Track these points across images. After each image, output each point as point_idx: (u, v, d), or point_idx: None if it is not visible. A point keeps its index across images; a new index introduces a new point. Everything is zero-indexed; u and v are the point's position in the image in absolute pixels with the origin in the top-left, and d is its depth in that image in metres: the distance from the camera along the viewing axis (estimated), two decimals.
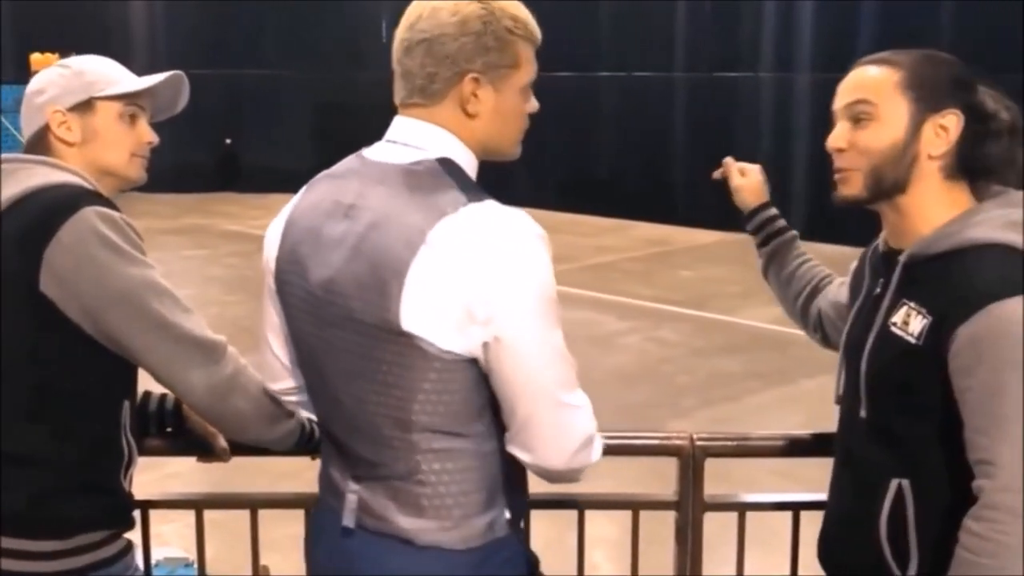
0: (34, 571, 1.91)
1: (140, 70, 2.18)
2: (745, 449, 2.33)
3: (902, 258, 1.83)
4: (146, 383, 2.10)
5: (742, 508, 2.42)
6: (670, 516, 2.40)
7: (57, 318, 1.86)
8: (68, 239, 1.85)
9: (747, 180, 2.46)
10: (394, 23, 1.80)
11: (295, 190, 1.91)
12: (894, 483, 1.81)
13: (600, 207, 18.12)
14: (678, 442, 2.33)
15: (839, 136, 1.89)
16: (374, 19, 23.73)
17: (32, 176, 1.94)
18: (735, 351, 9.66)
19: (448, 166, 1.71)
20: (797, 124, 16.07)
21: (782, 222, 2.45)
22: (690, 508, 2.32)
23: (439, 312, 1.63)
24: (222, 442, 2.22)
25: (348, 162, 1.84)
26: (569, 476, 1.77)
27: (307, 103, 22.68)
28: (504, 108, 1.73)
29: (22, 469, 1.89)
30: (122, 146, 2.08)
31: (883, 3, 15.25)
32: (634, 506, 2.42)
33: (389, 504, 1.75)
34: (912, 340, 1.74)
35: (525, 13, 1.74)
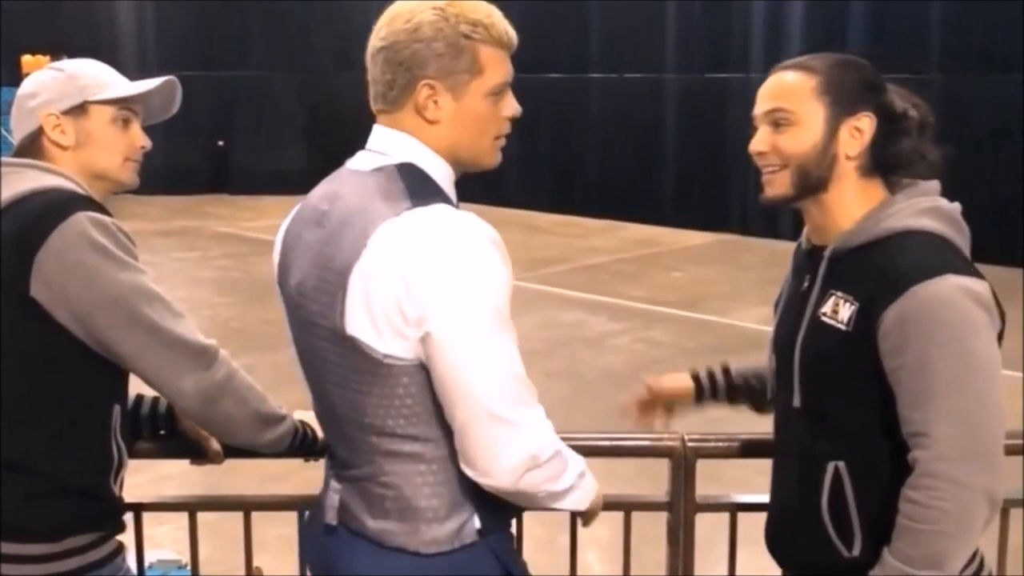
0: (26, 574, 1.91)
1: (130, 72, 2.19)
2: (736, 450, 2.34)
3: (827, 252, 1.92)
4: (138, 386, 2.10)
5: (734, 508, 2.43)
6: (662, 517, 2.41)
7: (48, 323, 1.86)
8: (59, 244, 1.85)
9: (670, 386, 2.46)
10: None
11: (286, 191, 1.92)
12: (831, 466, 1.89)
13: (590, 208, 18.16)
14: (669, 443, 2.34)
15: (761, 140, 1.97)
16: (365, 21, 23.66)
17: (23, 180, 1.94)
18: (726, 351, 9.63)
19: (407, 171, 1.70)
20: None
21: (715, 374, 2.47)
22: (682, 509, 2.33)
23: (377, 316, 1.63)
24: (215, 445, 2.22)
25: (338, 169, 1.86)
26: (523, 499, 1.71)
27: (298, 105, 22.67)
28: (467, 114, 1.70)
29: (13, 473, 1.89)
30: (115, 150, 2.09)
31: (872, 3, 15.31)
32: (626, 507, 2.42)
33: (361, 504, 1.77)
34: (842, 327, 1.82)
35: (489, 16, 1.70)
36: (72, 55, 2.24)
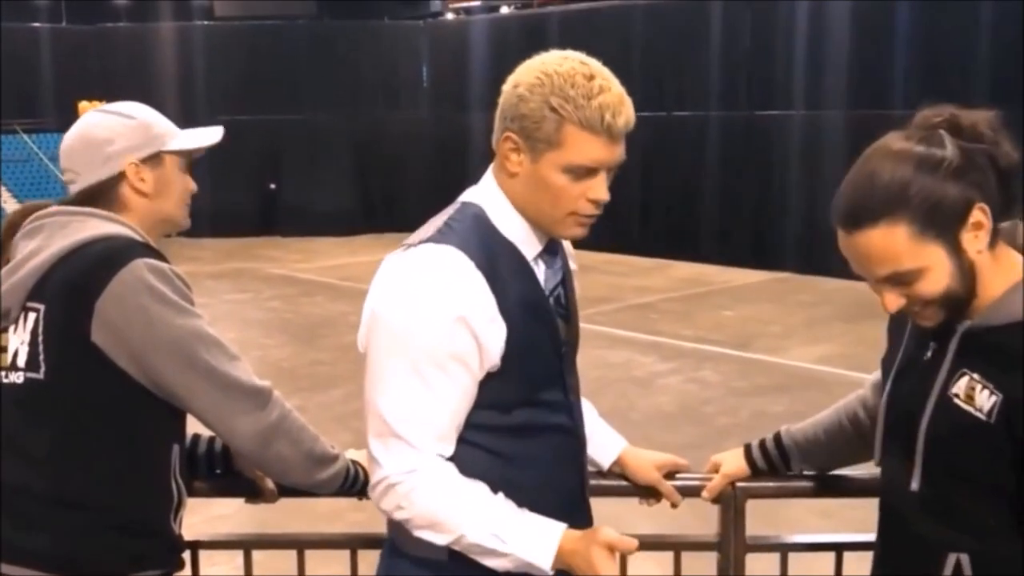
0: None
1: (184, 116, 2.25)
2: (786, 490, 2.29)
3: (960, 328, 1.75)
4: (195, 426, 2.13)
5: (784, 549, 2.39)
6: (712, 556, 2.39)
7: (108, 366, 1.90)
8: (119, 290, 1.89)
9: (731, 472, 2.30)
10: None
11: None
12: (952, 558, 1.74)
13: (638, 247, 18.15)
14: None
15: (893, 301, 1.72)
16: (413, 63, 24.06)
17: (84, 228, 1.99)
18: (777, 391, 9.57)
19: (464, 209, 1.75)
20: (835, 162, 16.03)
21: (768, 444, 2.29)
22: (732, 549, 2.30)
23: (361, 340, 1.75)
24: (269, 484, 2.24)
25: None
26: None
27: (347, 146, 22.96)
28: (539, 179, 1.69)
29: (76, 512, 1.93)
30: (183, 197, 2.16)
31: (919, 39, 15.24)
32: (676, 547, 2.40)
33: None
34: (982, 417, 1.66)
35: (590, 97, 1.66)
36: (125, 98, 2.30)
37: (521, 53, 1.85)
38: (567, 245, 1.90)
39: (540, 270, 1.77)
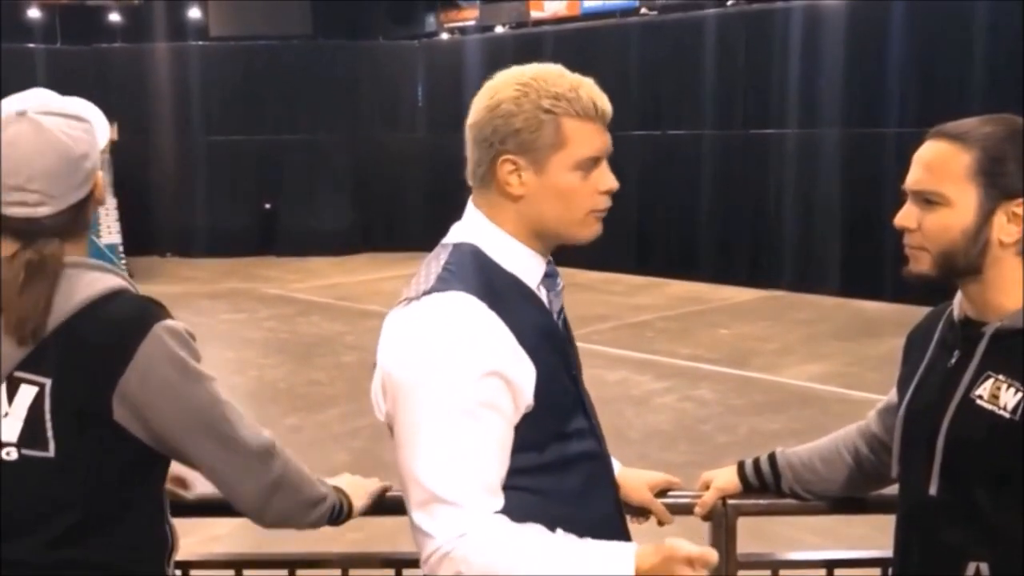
0: None
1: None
2: (776, 508, 2.30)
3: (988, 330, 1.76)
4: None
5: (776, 566, 2.40)
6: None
7: (125, 439, 1.82)
8: (144, 365, 1.78)
9: (723, 486, 2.29)
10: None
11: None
12: (972, 566, 1.73)
13: (633, 265, 18.16)
14: None
15: (908, 216, 1.80)
16: (410, 82, 24.10)
17: (80, 282, 1.80)
18: (775, 409, 9.56)
19: (459, 251, 1.71)
20: (830, 180, 16.07)
21: (762, 462, 2.28)
22: (723, 566, 2.31)
23: (379, 401, 1.73)
24: (189, 476, 2.22)
25: None
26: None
27: (345, 167, 22.95)
28: (552, 188, 1.68)
29: (77, 570, 1.86)
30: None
31: (914, 57, 15.29)
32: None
33: None
34: (1006, 415, 1.66)
35: (574, 89, 1.68)
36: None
37: None
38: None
39: (544, 296, 1.75)
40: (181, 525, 2.11)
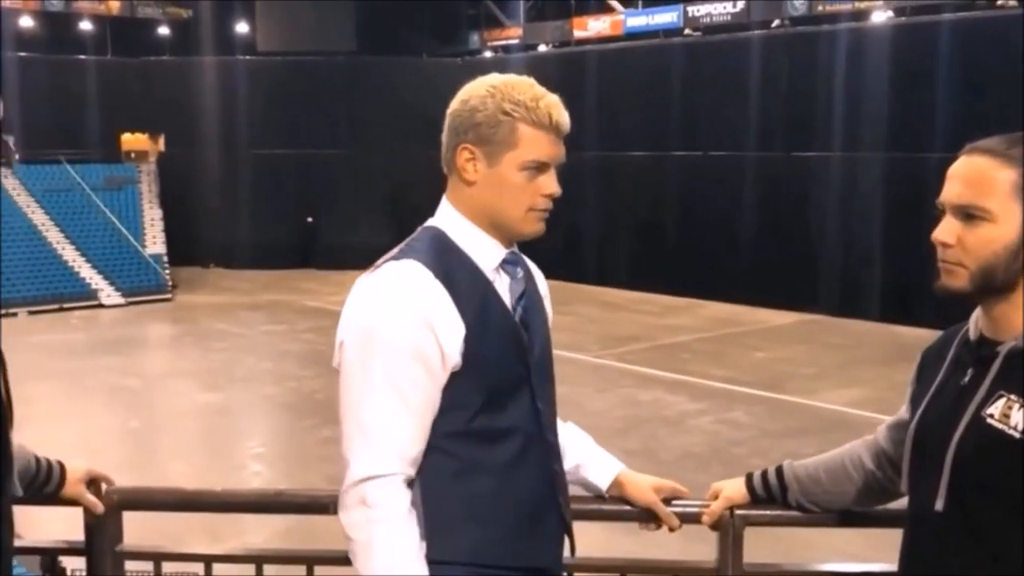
0: None
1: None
2: (783, 519, 2.31)
3: (1003, 349, 1.76)
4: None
5: (782, 575, 2.42)
6: None
7: None
8: None
9: (731, 496, 2.31)
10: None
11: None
12: None
13: (669, 285, 18.12)
14: None
15: (948, 231, 1.77)
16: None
17: None
18: (809, 433, 9.50)
19: (425, 232, 1.88)
20: (871, 205, 15.98)
21: (769, 475, 2.30)
22: (729, 573, 2.33)
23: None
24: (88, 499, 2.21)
25: None
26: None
27: (384, 182, 23.11)
28: (499, 181, 1.84)
29: None
30: None
31: (961, 81, 15.18)
32: (675, 571, 2.43)
33: None
34: (1015, 434, 1.67)
35: (535, 100, 1.84)
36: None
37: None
38: (540, 281, 1.96)
39: (502, 280, 1.86)
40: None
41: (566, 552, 1.94)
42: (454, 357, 1.75)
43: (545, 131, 1.85)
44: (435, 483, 1.78)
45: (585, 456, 2.05)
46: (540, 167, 1.85)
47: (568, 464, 1.96)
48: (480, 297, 1.82)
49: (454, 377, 1.76)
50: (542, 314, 1.95)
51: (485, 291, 1.84)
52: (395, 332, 1.75)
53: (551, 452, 1.95)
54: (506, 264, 1.87)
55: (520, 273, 1.89)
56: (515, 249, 1.89)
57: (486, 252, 1.87)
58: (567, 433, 2.00)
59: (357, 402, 1.76)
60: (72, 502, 2.17)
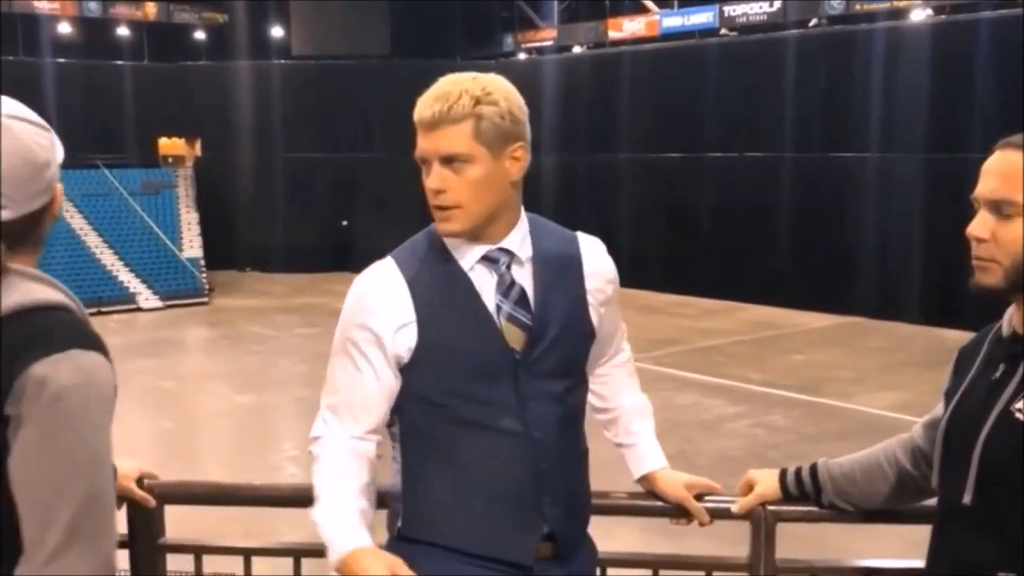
0: None
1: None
2: (816, 515, 2.29)
3: None
4: None
5: (814, 571, 2.39)
6: None
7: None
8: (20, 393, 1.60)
9: (763, 492, 2.28)
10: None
11: None
12: None
13: (707, 289, 18.03)
14: None
15: (982, 226, 1.77)
16: None
17: (29, 292, 1.66)
18: (848, 437, 9.39)
19: (422, 231, 1.96)
20: (911, 206, 15.81)
21: (803, 474, 2.28)
22: (761, 570, 2.30)
23: None
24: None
25: None
26: None
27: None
28: None
29: None
30: None
31: (1002, 81, 15.00)
32: (707, 567, 2.41)
33: None
34: None
35: (423, 95, 1.89)
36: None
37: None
38: (605, 270, 1.94)
39: (481, 276, 1.85)
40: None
41: (600, 547, 1.93)
42: (397, 351, 1.83)
43: (419, 127, 1.89)
44: (415, 468, 1.85)
45: (634, 440, 2.06)
46: (423, 163, 1.90)
47: (619, 439, 2.03)
48: (445, 289, 1.87)
49: (421, 363, 1.82)
50: (561, 304, 1.88)
51: (455, 285, 1.87)
52: (346, 331, 1.86)
53: (539, 450, 1.88)
54: (487, 261, 1.87)
55: (503, 265, 1.88)
56: (504, 245, 1.87)
57: (460, 250, 1.91)
58: (633, 408, 2.03)
59: (328, 382, 1.90)
60: (121, 498, 2.21)
